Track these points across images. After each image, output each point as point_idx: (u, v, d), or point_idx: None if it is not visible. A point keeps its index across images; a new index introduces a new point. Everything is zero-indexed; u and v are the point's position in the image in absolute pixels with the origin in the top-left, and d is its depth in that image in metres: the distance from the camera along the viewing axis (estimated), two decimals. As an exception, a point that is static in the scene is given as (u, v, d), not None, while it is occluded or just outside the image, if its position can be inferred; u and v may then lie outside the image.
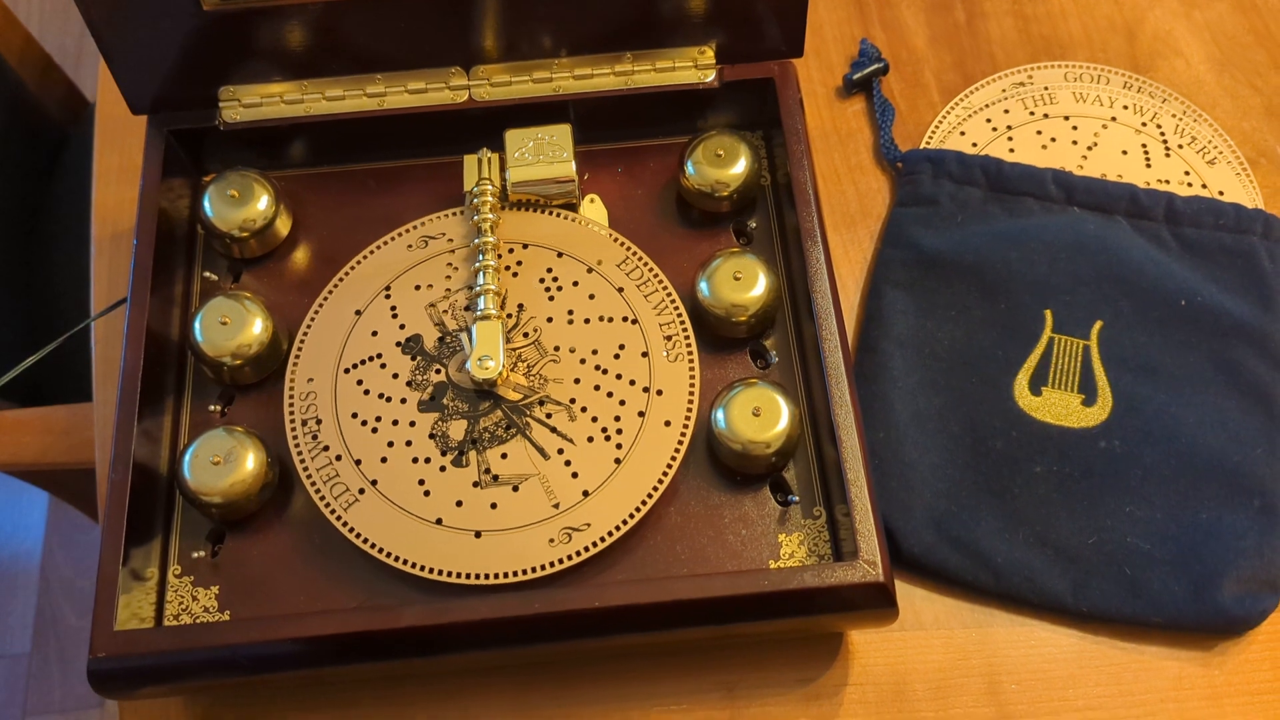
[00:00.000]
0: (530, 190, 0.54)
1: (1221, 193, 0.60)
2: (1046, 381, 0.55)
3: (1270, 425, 0.54)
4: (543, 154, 0.54)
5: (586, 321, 0.51)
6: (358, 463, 0.48)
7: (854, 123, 0.64)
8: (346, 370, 0.50)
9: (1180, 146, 0.62)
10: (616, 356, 0.51)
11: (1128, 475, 0.53)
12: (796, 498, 0.49)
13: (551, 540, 0.47)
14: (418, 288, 0.52)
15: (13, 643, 1.17)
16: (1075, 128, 0.62)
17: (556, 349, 0.51)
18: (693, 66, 0.55)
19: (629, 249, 0.53)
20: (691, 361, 0.50)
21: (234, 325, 0.51)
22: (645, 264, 0.53)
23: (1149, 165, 0.61)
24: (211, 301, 0.51)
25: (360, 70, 0.54)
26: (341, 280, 0.52)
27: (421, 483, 0.48)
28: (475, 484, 0.48)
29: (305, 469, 0.48)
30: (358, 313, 0.51)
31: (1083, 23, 0.66)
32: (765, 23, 0.54)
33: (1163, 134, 0.62)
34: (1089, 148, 0.62)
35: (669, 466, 0.48)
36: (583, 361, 0.51)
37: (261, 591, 0.48)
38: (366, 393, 0.50)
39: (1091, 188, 0.59)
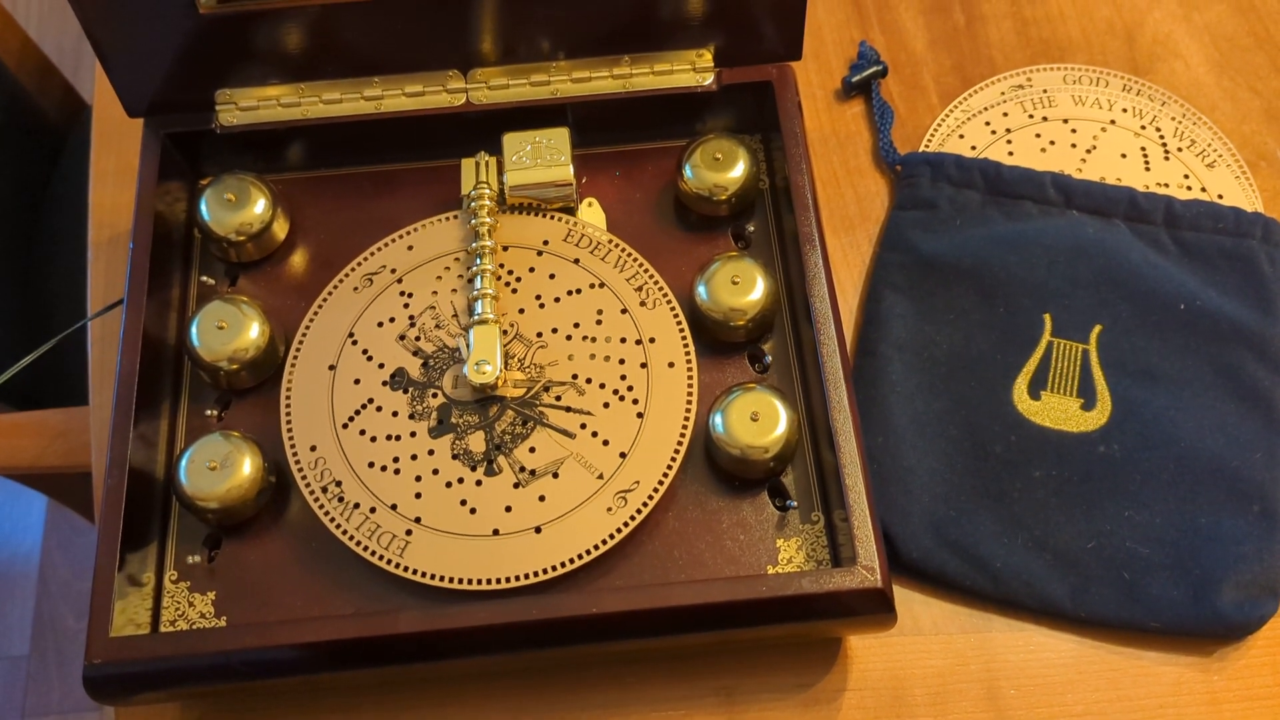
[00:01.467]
0: (528, 194, 0.54)
1: (1221, 196, 0.60)
2: (1045, 386, 0.55)
3: (1269, 430, 0.54)
4: (540, 157, 0.54)
5: (557, 300, 0.52)
6: (393, 508, 0.48)
7: (853, 125, 0.64)
8: (344, 425, 0.49)
9: (1179, 150, 0.61)
10: (598, 322, 0.51)
11: (1127, 480, 0.53)
12: (795, 503, 0.49)
13: (609, 509, 0.47)
14: (380, 325, 0.51)
15: (11, 645, 1.17)
16: (1074, 131, 0.62)
17: (539, 335, 0.51)
18: (691, 70, 0.55)
19: (569, 222, 0.53)
20: (671, 304, 0.51)
21: (231, 329, 0.51)
22: (592, 229, 0.53)
23: (1148, 168, 0.61)
24: (208, 305, 0.51)
25: (357, 73, 0.54)
26: (303, 339, 0.51)
27: (464, 503, 0.48)
28: (516, 485, 0.48)
29: (344, 531, 0.47)
30: (331, 368, 0.50)
31: (1082, 26, 0.66)
32: (763, 26, 0.54)
33: (1162, 137, 0.62)
34: (1088, 151, 0.61)
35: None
36: (569, 338, 0.51)
37: (258, 597, 0.48)
38: (373, 440, 0.49)
39: (1090, 191, 0.58)
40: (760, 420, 0.48)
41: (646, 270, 0.52)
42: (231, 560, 0.49)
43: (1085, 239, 0.57)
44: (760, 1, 0.52)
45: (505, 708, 0.50)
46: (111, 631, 0.45)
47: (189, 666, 0.45)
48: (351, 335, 0.51)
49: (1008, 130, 0.62)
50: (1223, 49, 0.65)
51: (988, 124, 0.63)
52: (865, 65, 0.64)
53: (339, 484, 0.48)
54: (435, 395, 0.50)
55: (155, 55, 0.52)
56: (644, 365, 0.50)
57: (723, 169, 0.54)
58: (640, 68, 0.55)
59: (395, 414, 0.50)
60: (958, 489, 0.53)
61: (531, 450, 0.49)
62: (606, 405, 0.50)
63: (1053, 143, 0.62)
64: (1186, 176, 0.61)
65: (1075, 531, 0.52)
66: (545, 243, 0.53)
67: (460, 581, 0.46)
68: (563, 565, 0.46)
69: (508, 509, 0.48)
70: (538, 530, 0.47)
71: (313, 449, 0.49)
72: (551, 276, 0.52)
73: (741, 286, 0.51)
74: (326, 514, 0.47)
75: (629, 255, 0.53)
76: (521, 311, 0.52)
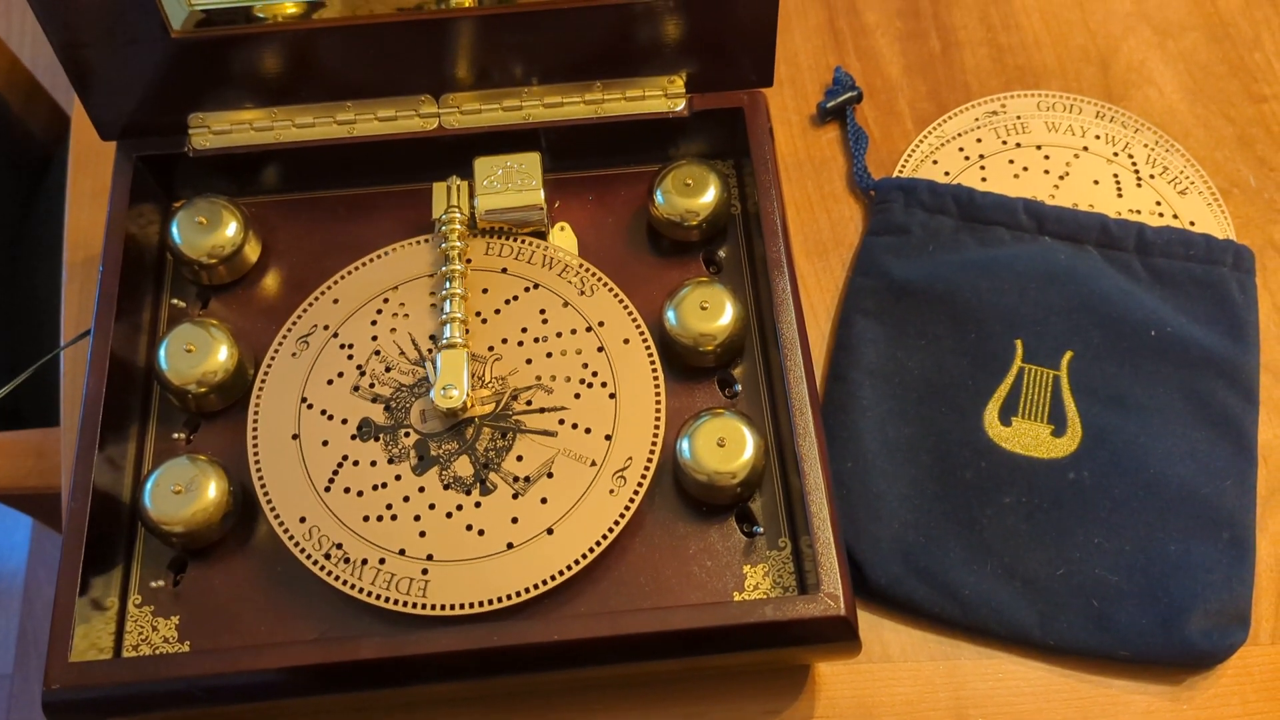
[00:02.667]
0: (499, 218, 0.54)
1: (1193, 223, 0.60)
2: (1016, 412, 0.55)
3: (1239, 457, 0.53)
4: (511, 182, 0.54)
5: (497, 312, 0.52)
6: (401, 553, 0.47)
7: (828, 150, 0.64)
8: (326, 489, 0.49)
9: (1152, 176, 0.62)
10: (544, 321, 0.52)
11: (1097, 507, 0.52)
12: (761, 529, 0.49)
13: (611, 491, 0.48)
14: (330, 382, 0.51)
15: (-5, 663, 1.16)
16: (1047, 157, 0.62)
17: (491, 349, 0.51)
18: (663, 96, 0.55)
19: (487, 237, 0.54)
20: (609, 286, 0.52)
21: (199, 353, 0.51)
22: (512, 236, 0.54)
23: (1120, 195, 0.61)
24: (176, 329, 0.51)
25: (330, 98, 0.54)
26: (257, 415, 0.50)
27: (470, 527, 0.48)
28: (515, 496, 0.48)
29: (360, 589, 0.46)
30: (295, 437, 0.50)
31: (1057, 53, 0.67)
32: (735, 53, 0.54)
33: (1134, 164, 0.62)
34: (1061, 177, 0.62)
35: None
36: (520, 344, 0.51)
37: (223, 621, 0.48)
38: (360, 494, 0.48)
39: (1063, 217, 0.59)
40: (727, 446, 0.48)
41: (578, 261, 0.53)
42: (196, 584, 0.48)
43: (1057, 265, 0.57)
44: (731, 29, 0.53)
45: (471, 734, 0.50)
46: (72, 656, 0.44)
47: (150, 692, 0.44)
48: (305, 400, 0.50)
49: (981, 156, 0.62)
50: (1196, 76, 0.66)
51: (961, 150, 0.63)
52: (840, 91, 0.64)
53: (339, 546, 0.47)
54: (408, 434, 0.50)
55: (128, 79, 0.52)
56: (601, 349, 0.51)
57: (693, 194, 0.54)
58: (612, 93, 0.55)
59: (374, 463, 0.49)
60: (927, 515, 0.53)
61: (519, 459, 0.49)
62: (578, 396, 0.50)
63: (1026, 169, 0.62)
64: (1159, 203, 0.61)
65: (1045, 558, 0.52)
66: (468, 261, 0.53)
67: (490, 603, 0.46)
68: (584, 556, 0.47)
69: (514, 520, 0.48)
70: (550, 532, 0.47)
71: (302, 520, 0.48)
72: (485, 291, 0.53)
73: (710, 312, 0.51)
74: (336, 578, 0.47)
75: (556, 252, 0.53)
76: (467, 331, 0.52)
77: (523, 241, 0.54)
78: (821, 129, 0.65)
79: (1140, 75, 0.66)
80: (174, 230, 0.54)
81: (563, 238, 0.55)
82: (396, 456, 0.49)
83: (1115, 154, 0.62)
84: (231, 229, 0.54)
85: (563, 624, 0.44)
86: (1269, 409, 0.56)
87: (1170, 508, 0.52)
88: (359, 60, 0.53)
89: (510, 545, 0.47)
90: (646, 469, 0.48)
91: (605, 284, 0.52)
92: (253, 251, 0.55)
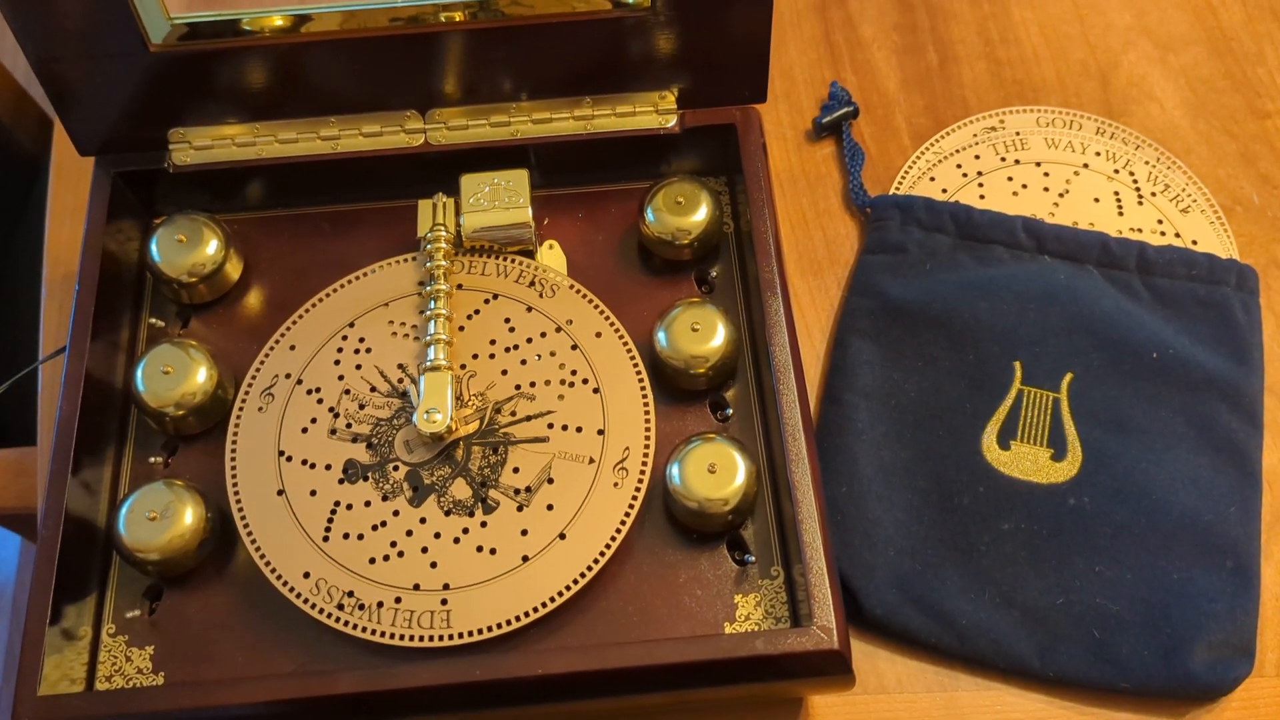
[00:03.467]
0: (485, 237, 0.53)
1: (1195, 242, 0.59)
2: (1015, 435, 0.53)
3: (1243, 483, 0.52)
4: (499, 200, 0.53)
5: (461, 329, 0.51)
6: (416, 588, 0.46)
7: (823, 166, 0.63)
8: (325, 539, 0.47)
9: (1153, 194, 0.60)
10: (511, 330, 0.51)
11: (1097, 534, 0.51)
12: (753, 557, 0.48)
13: (615, 484, 0.47)
14: (305, 430, 0.49)
15: (-18, 678, 1.15)
16: (1047, 174, 0.61)
17: (464, 366, 0.50)
18: (653, 111, 0.54)
19: (439, 262, 0.52)
20: (571, 285, 0.51)
21: (177, 375, 0.49)
22: (467, 254, 0.53)
23: (1121, 213, 0.60)
24: (154, 350, 0.50)
25: (314, 113, 0.53)
26: (236, 478, 0.48)
27: (480, 549, 0.47)
28: (520, 508, 0.47)
29: (382, 633, 0.45)
30: (280, 493, 0.48)
31: (1056, 67, 0.65)
32: (727, 68, 0.53)
33: (1135, 181, 0.61)
34: (1060, 195, 0.60)
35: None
36: (492, 356, 0.50)
37: (198, 652, 0.46)
38: (361, 538, 0.47)
39: (1062, 236, 0.57)
40: (718, 472, 0.47)
41: (532, 266, 0.52)
42: (172, 613, 0.47)
43: (1056, 285, 0.56)
44: (724, 44, 0.52)
45: (454, 767, 0.48)
46: (43, 687, 0.43)
47: (121, 727, 0.43)
48: (282, 453, 0.49)
49: (979, 173, 0.61)
50: (1198, 91, 0.65)
51: (959, 166, 0.62)
52: (836, 106, 0.63)
53: (350, 594, 0.46)
54: (396, 468, 0.48)
55: (106, 94, 0.51)
56: (574, 346, 0.50)
57: (685, 213, 0.53)
58: (602, 109, 0.54)
59: (368, 503, 0.48)
60: (924, 542, 0.51)
61: (516, 470, 0.48)
62: (561, 397, 0.49)
63: (1025, 186, 0.61)
64: (1160, 221, 0.60)
65: (1044, 587, 0.50)
66: (421, 284, 0.52)
67: (517, 619, 0.45)
68: (603, 554, 0.46)
69: (524, 533, 0.47)
70: (562, 537, 0.46)
71: (306, 575, 0.46)
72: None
73: (702, 333, 0.50)
74: (354, 626, 0.45)
75: (509, 260, 0.53)
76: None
77: (473, 255, 0.53)
78: (817, 144, 0.64)
79: (1141, 90, 0.65)
80: (153, 248, 0.53)
81: (552, 256, 0.54)
82: (390, 492, 0.48)
83: (1116, 171, 0.61)
84: (212, 246, 0.53)
85: (546, 657, 0.43)
86: (1274, 433, 0.55)
87: (1173, 535, 0.51)
88: (344, 75, 0.52)
89: (525, 558, 0.46)
90: (645, 456, 0.48)
91: (567, 283, 0.51)
92: (234, 269, 0.54)
